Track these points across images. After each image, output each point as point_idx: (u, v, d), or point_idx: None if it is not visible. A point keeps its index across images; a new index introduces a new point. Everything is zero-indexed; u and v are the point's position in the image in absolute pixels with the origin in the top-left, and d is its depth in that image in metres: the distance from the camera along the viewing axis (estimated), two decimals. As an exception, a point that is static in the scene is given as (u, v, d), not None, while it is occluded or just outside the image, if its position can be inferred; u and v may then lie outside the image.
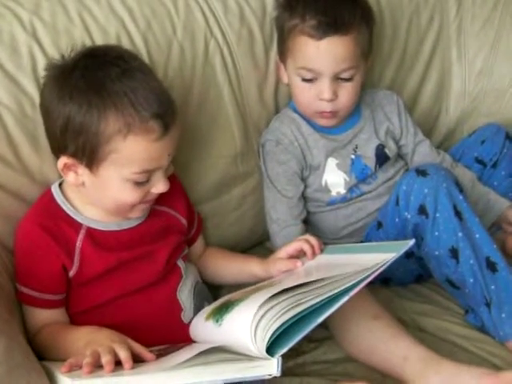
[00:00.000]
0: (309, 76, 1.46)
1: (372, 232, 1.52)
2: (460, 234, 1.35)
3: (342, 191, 1.53)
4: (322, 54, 1.43)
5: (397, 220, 1.43)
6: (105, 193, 1.21)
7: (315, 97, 1.47)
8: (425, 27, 1.76)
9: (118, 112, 1.14)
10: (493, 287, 1.34)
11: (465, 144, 1.71)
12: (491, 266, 1.35)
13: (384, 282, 1.48)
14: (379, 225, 1.49)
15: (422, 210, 1.37)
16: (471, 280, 1.35)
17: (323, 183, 1.53)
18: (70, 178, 1.21)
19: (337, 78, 1.45)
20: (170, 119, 1.18)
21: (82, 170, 1.19)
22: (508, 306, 1.34)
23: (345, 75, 1.45)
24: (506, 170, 1.65)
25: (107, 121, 1.14)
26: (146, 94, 1.16)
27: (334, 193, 1.53)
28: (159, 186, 1.22)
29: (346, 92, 1.47)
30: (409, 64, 1.75)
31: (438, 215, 1.36)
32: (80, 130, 1.15)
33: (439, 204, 1.36)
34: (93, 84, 1.15)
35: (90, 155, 1.16)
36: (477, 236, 1.36)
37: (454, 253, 1.36)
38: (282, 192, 1.51)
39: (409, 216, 1.39)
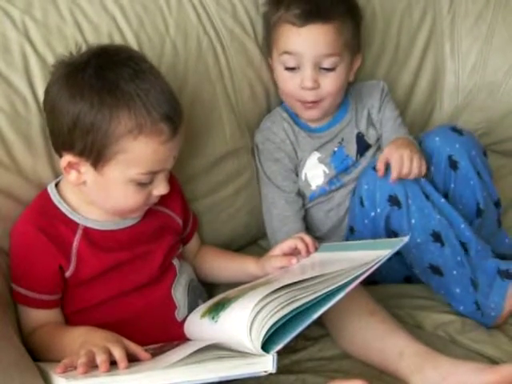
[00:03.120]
0: (291, 63, 1.47)
1: (348, 236, 1.51)
2: (438, 217, 1.36)
3: (321, 183, 1.53)
4: (303, 38, 1.45)
5: (366, 221, 1.42)
6: (107, 193, 1.21)
7: (298, 86, 1.48)
8: (418, 22, 1.76)
9: (130, 113, 1.14)
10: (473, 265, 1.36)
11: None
12: (463, 246, 1.37)
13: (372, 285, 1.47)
14: (351, 230, 1.49)
15: (394, 200, 1.37)
16: (458, 258, 1.36)
17: (303, 177, 1.53)
18: (72, 176, 1.20)
19: (319, 68, 1.46)
20: (178, 122, 1.19)
21: (86, 169, 1.19)
22: (487, 279, 1.35)
23: (326, 64, 1.46)
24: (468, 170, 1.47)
25: (119, 121, 1.14)
26: (158, 95, 1.17)
27: (313, 187, 1.53)
28: (161, 189, 1.22)
29: (329, 81, 1.47)
30: (402, 59, 1.76)
31: (410, 202, 1.36)
32: (90, 128, 1.15)
33: (409, 191, 1.36)
34: (106, 84, 1.15)
35: (97, 154, 1.16)
36: (449, 216, 1.37)
37: (437, 236, 1.36)
38: (281, 188, 1.52)
39: (378, 210, 1.38)
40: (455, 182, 1.47)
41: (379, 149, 1.58)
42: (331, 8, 1.45)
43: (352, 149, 1.55)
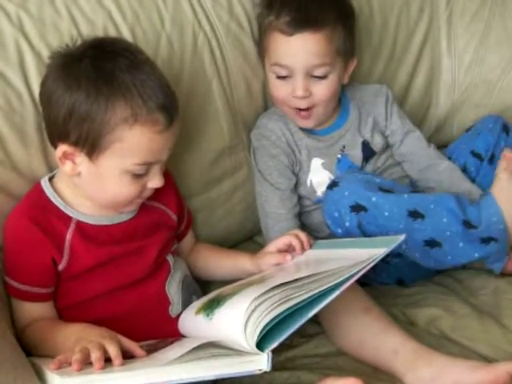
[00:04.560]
0: (283, 73, 1.47)
1: None
2: (405, 196, 1.38)
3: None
4: (293, 49, 1.44)
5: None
6: (101, 184, 1.21)
7: (289, 94, 1.48)
8: (415, 19, 1.76)
9: (126, 102, 1.15)
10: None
11: (463, 140, 1.68)
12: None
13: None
14: None
15: (358, 208, 1.37)
16: (445, 220, 1.37)
17: (308, 183, 1.53)
18: (67, 167, 1.20)
19: (310, 76, 1.46)
20: (174, 112, 1.20)
21: (81, 160, 1.19)
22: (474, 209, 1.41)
23: (318, 73, 1.45)
24: None
25: (115, 110, 1.15)
26: (153, 86, 1.17)
27: (319, 193, 1.53)
28: (155, 181, 1.22)
29: (320, 89, 1.47)
30: (399, 56, 1.75)
31: (374, 199, 1.37)
32: (85, 118, 1.15)
33: (368, 191, 1.38)
34: (102, 73, 1.16)
35: (92, 144, 1.16)
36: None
37: (414, 213, 1.37)
38: (275, 185, 1.51)
39: (347, 224, 1.39)
40: (506, 142, 1.61)
41: (386, 150, 1.59)
42: (321, 15, 1.43)
43: (357, 156, 1.55)
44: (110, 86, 1.15)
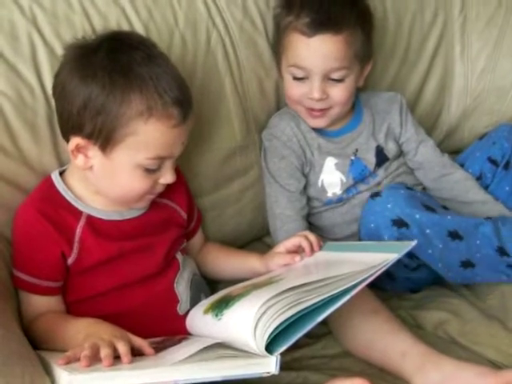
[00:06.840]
0: (300, 74, 1.47)
1: None
2: (449, 217, 1.38)
3: (338, 192, 1.52)
4: (312, 51, 1.43)
5: None
6: (113, 178, 1.21)
7: (306, 95, 1.48)
8: (429, 24, 1.75)
9: (142, 95, 1.15)
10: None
11: (477, 147, 1.68)
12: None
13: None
14: None
15: (400, 223, 1.36)
16: (478, 242, 1.37)
17: (319, 183, 1.53)
18: (79, 160, 1.20)
19: (328, 79, 1.46)
20: (188, 107, 1.20)
21: (94, 153, 1.19)
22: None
23: (335, 76, 1.45)
24: None
25: (130, 103, 1.15)
26: (169, 80, 1.18)
27: (329, 194, 1.53)
28: (167, 177, 1.22)
29: (337, 91, 1.47)
30: (412, 61, 1.75)
31: (418, 217, 1.37)
32: (100, 110, 1.15)
33: (413, 208, 1.37)
34: (119, 66, 1.16)
35: (106, 136, 1.16)
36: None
37: (454, 234, 1.37)
38: (285, 186, 1.51)
39: (386, 237, 1.38)
40: None
41: (396, 160, 1.59)
42: (341, 18, 1.43)
43: (370, 160, 1.54)
44: (126, 78, 1.15)
